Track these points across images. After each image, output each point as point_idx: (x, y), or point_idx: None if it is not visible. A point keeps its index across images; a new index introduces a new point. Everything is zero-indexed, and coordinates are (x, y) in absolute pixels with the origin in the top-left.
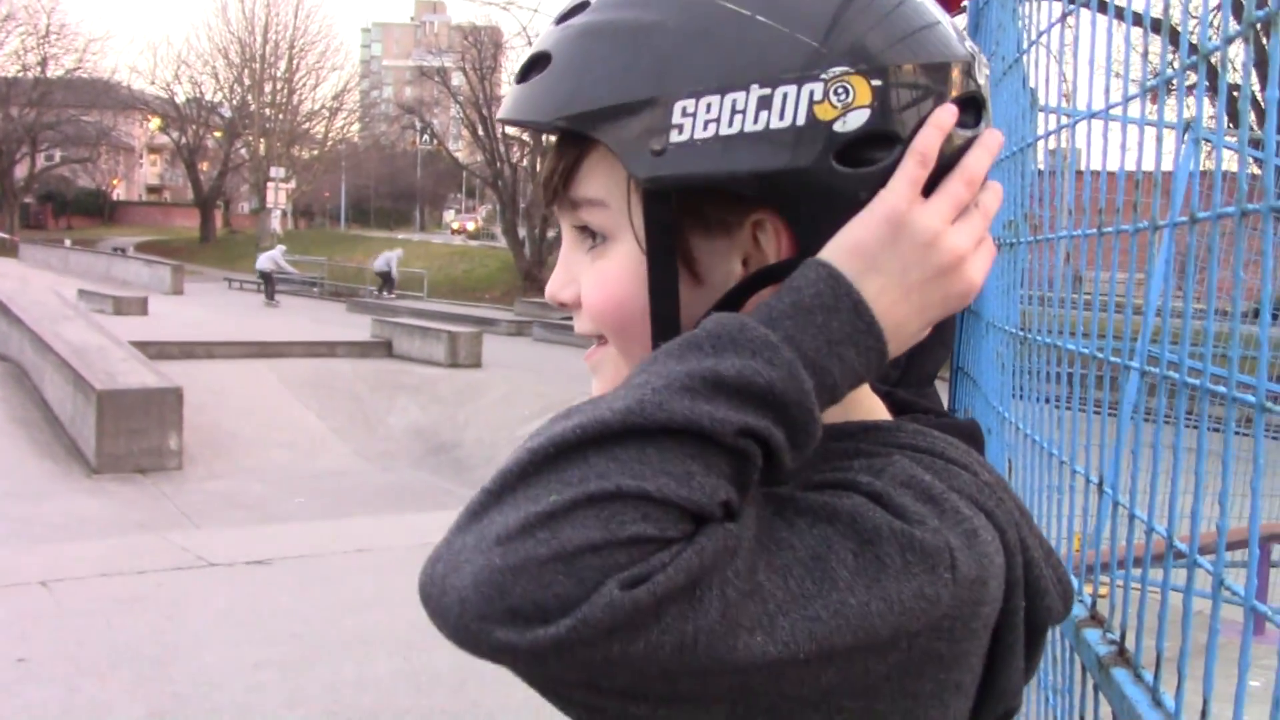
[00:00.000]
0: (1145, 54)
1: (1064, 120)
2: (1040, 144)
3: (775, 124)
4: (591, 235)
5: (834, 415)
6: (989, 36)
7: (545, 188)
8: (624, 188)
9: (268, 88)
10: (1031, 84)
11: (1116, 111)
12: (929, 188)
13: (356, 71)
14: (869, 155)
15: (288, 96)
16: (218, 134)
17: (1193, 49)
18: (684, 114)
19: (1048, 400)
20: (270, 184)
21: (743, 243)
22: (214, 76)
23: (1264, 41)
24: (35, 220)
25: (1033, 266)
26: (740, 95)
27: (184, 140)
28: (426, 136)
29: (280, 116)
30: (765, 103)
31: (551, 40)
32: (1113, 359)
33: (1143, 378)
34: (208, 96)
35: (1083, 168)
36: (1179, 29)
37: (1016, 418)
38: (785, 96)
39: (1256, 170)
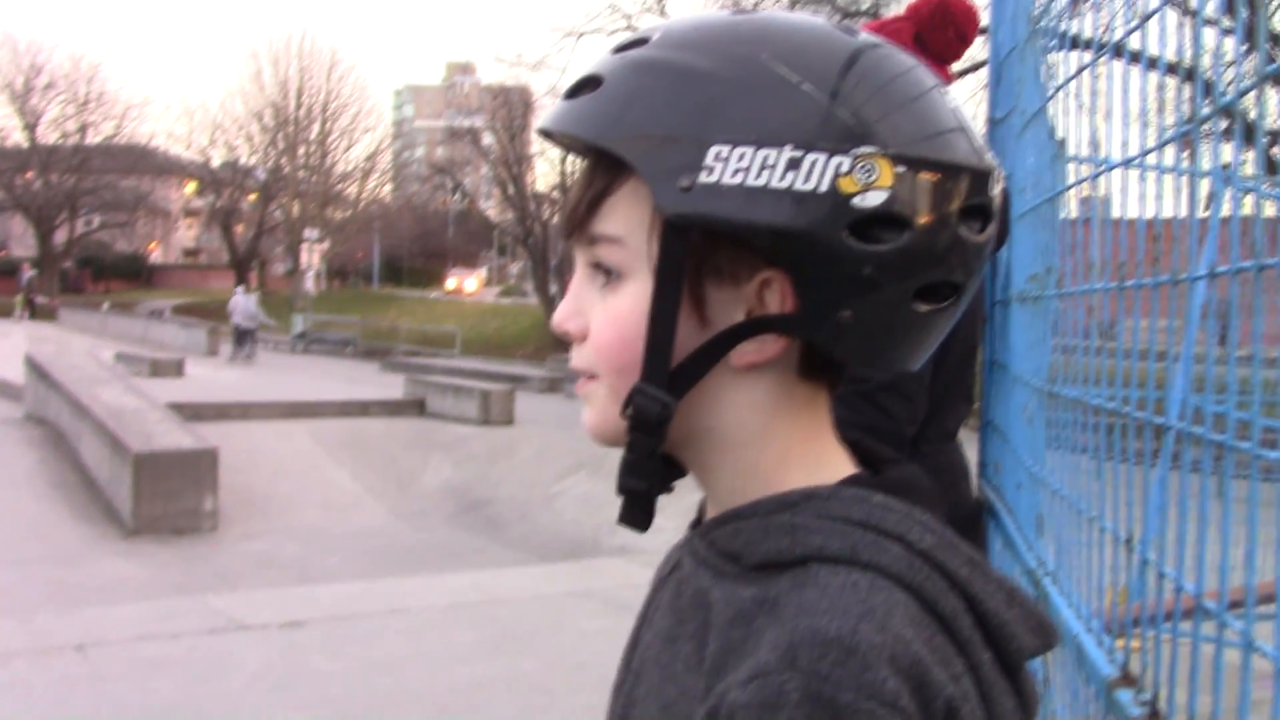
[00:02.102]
0: (1153, 101)
1: (1089, 170)
2: (1071, 194)
3: (800, 185)
4: (605, 272)
5: (789, 476)
6: (1009, 91)
7: (569, 219)
8: (645, 227)
9: (301, 150)
10: (1059, 134)
11: (1147, 159)
12: (920, 274)
13: (389, 133)
14: (879, 234)
15: (321, 159)
16: (252, 197)
17: (1208, 91)
18: (717, 158)
19: (1073, 451)
20: (304, 245)
21: (749, 297)
22: (249, 140)
23: None
24: (74, 284)
25: (1062, 318)
26: (773, 152)
27: (219, 203)
28: (458, 196)
29: (314, 178)
30: (795, 164)
31: (606, 66)
32: (1137, 413)
33: (1178, 437)
34: (243, 160)
35: (1114, 216)
36: (1207, 76)
37: (1045, 472)
38: (814, 163)
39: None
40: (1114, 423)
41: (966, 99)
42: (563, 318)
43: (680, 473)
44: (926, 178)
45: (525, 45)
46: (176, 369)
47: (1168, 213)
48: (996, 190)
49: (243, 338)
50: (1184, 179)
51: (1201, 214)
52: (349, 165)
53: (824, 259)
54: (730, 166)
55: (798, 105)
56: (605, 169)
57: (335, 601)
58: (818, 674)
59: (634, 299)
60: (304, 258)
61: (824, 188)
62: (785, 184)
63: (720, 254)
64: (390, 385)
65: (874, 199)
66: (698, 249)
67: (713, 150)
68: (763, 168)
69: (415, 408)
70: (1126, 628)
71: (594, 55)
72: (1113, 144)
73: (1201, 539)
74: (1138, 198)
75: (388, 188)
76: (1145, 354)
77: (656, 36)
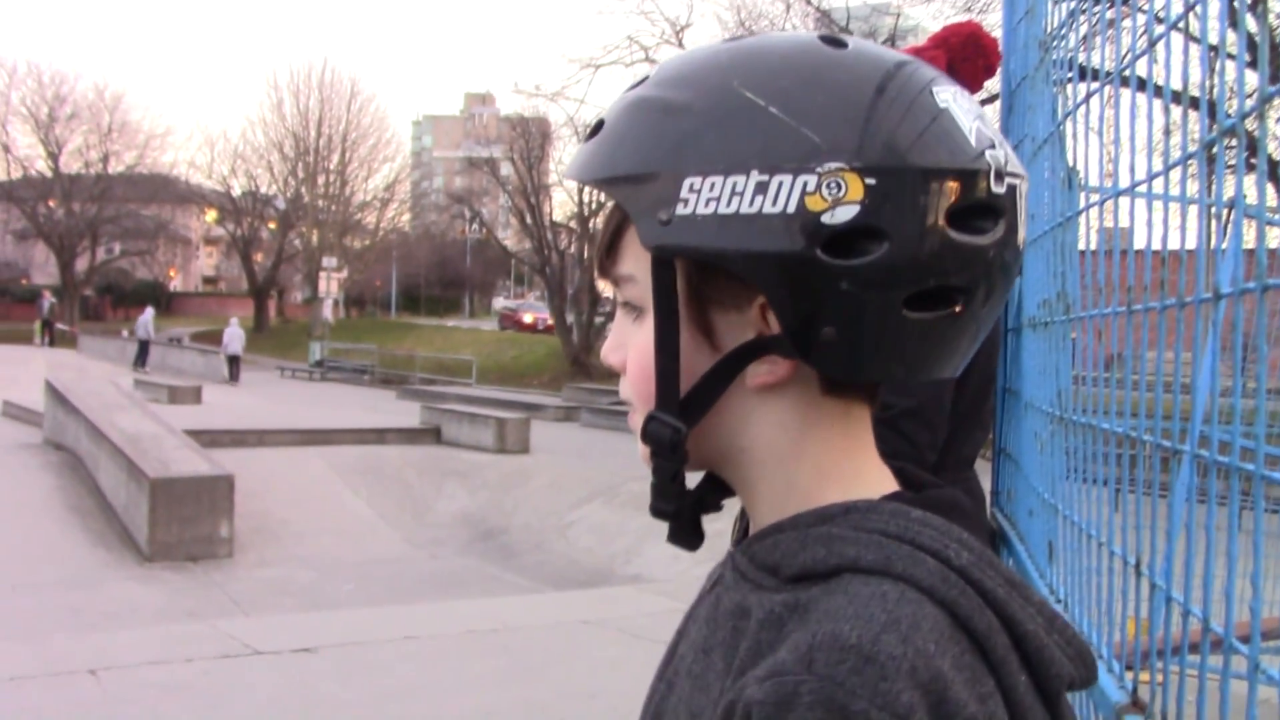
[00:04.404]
0: (1162, 129)
1: (1095, 198)
2: (1081, 221)
3: (768, 209)
4: (634, 308)
5: (826, 492)
6: (1021, 118)
7: (595, 261)
8: (647, 262)
9: (321, 180)
10: (1071, 161)
11: (1152, 186)
12: (906, 283)
13: (408, 162)
14: (859, 248)
15: (340, 188)
16: (272, 225)
17: (1212, 116)
18: (691, 189)
19: (1084, 479)
20: (323, 274)
21: (754, 320)
22: (269, 170)
23: None
24: (94, 312)
25: (1075, 345)
26: (741, 178)
27: (239, 232)
28: (476, 225)
29: (333, 208)
30: (762, 188)
31: (610, 109)
32: (1145, 438)
33: (1194, 463)
34: (263, 189)
35: (1124, 246)
36: (1213, 102)
37: (1056, 499)
38: (781, 184)
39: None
40: (1123, 451)
41: None
42: (606, 351)
43: (728, 491)
44: (900, 186)
45: (543, 76)
46: (194, 396)
47: (1178, 238)
48: (1005, 185)
49: (234, 363)
50: (1193, 207)
51: (1212, 240)
52: (368, 194)
53: (799, 279)
54: (703, 196)
55: (764, 128)
56: (616, 209)
57: (348, 628)
58: (833, 679)
59: (649, 332)
60: (322, 286)
61: (791, 208)
62: (754, 209)
63: (716, 283)
64: (406, 413)
65: (844, 214)
66: (693, 279)
67: (687, 182)
68: (732, 195)
69: (431, 435)
70: (1135, 659)
71: (611, 87)
72: (1121, 172)
73: (1207, 566)
74: (1145, 224)
75: (406, 217)
76: (1152, 384)
77: (652, 74)
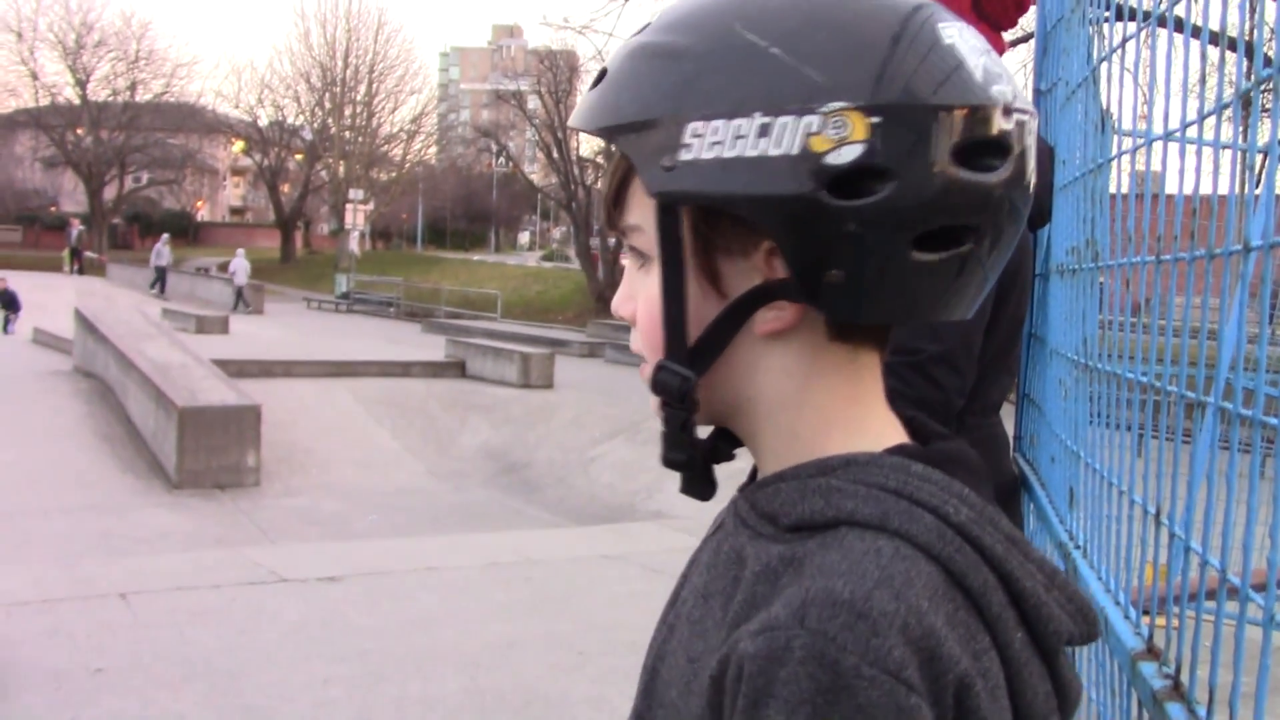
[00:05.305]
0: (1198, 75)
1: (1128, 143)
2: (1113, 166)
3: (772, 151)
4: (641, 257)
5: (829, 441)
6: (1055, 62)
7: (604, 212)
8: (652, 210)
9: (348, 111)
10: (1105, 105)
11: (1191, 132)
12: (914, 223)
13: (434, 95)
14: (865, 188)
15: (367, 120)
16: (299, 157)
17: (1249, 57)
18: (694, 135)
19: (1108, 425)
20: (349, 206)
21: (760, 266)
22: (296, 100)
23: None
24: (122, 240)
25: (1103, 290)
26: (744, 121)
27: (266, 163)
28: (502, 159)
29: (360, 139)
30: (765, 130)
31: (613, 55)
32: (1170, 387)
33: (1219, 414)
34: (290, 120)
35: (1155, 190)
36: (1264, 46)
37: (1078, 445)
38: (784, 126)
39: None
40: (1147, 398)
41: (1016, 70)
42: (617, 304)
43: (738, 442)
44: (905, 124)
45: (572, 8)
46: (222, 326)
47: (1213, 187)
48: (1013, 121)
49: (242, 293)
50: (1227, 153)
51: (1243, 188)
52: (394, 127)
53: (805, 221)
54: (707, 141)
55: (766, 70)
56: (622, 159)
57: (373, 558)
58: (824, 634)
59: (656, 281)
60: (349, 218)
61: (796, 150)
62: (758, 151)
63: (722, 228)
64: (431, 346)
65: (849, 154)
66: (699, 226)
67: (690, 127)
68: (736, 138)
69: (456, 369)
70: (1153, 604)
71: (641, 20)
72: (1156, 117)
73: (1227, 515)
74: (1179, 172)
75: (432, 150)
76: (1179, 330)
77: (654, 20)
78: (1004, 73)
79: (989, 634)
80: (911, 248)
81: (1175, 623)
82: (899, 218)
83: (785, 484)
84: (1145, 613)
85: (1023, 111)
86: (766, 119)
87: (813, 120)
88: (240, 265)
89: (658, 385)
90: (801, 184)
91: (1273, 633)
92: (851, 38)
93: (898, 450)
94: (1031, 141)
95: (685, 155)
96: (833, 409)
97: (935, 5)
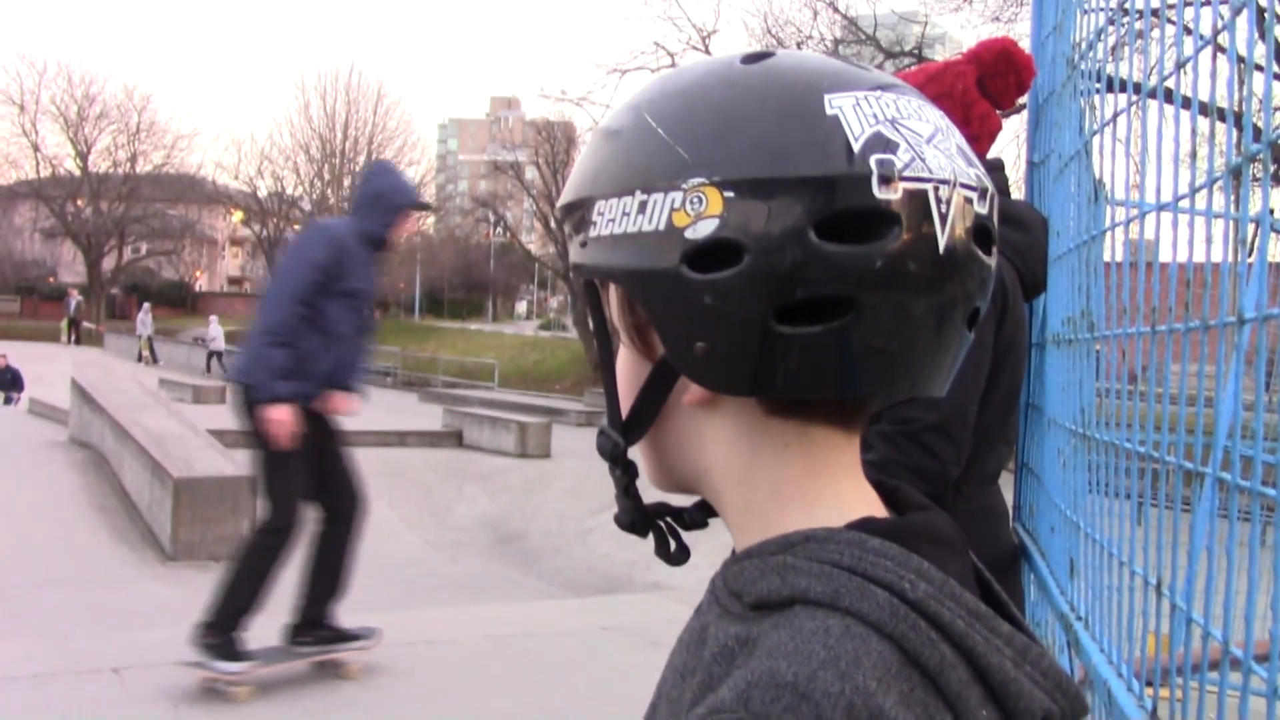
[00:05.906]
0: (1188, 151)
1: (1122, 214)
2: (1109, 236)
3: (645, 227)
4: None
5: (785, 516)
6: (1048, 135)
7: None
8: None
9: (347, 181)
10: (1098, 176)
11: (1179, 203)
12: (770, 296)
13: (433, 166)
14: (722, 260)
15: None
16: (297, 226)
17: (1239, 128)
18: (599, 213)
19: (1107, 494)
20: None
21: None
22: (295, 171)
23: None
24: (120, 310)
25: (1099, 357)
26: (629, 199)
27: (265, 233)
28: (500, 229)
29: None
30: (642, 207)
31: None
32: (1168, 457)
33: (1217, 485)
34: (289, 191)
35: (1149, 258)
36: (1253, 117)
37: (1078, 516)
38: (655, 203)
39: None
40: (1145, 467)
41: (1009, 142)
42: None
43: (713, 510)
44: (757, 196)
45: (569, 81)
46: (219, 395)
47: (1205, 256)
48: (901, 191)
49: (219, 358)
50: (1219, 223)
51: (1235, 259)
52: None
53: (668, 295)
54: (605, 218)
55: (649, 148)
56: None
57: None
58: (767, 717)
59: (623, 352)
60: None
61: (662, 225)
62: (636, 227)
63: (634, 302)
64: (429, 416)
65: (704, 229)
66: (626, 299)
67: (596, 206)
68: (622, 215)
69: (453, 439)
70: (1155, 675)
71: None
72: (1148, 187)
73: (1228, 586)
74: (1171, 243)
75: (431, 220)
76: (1175, 398)
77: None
78: (919, 139)
79: (950, 713)
80: (773, 320)
81: (1179, 694)
82: (753, 290)
83: (750, 561)
84: (1148, 684)
85: (925, 180)
86: (644, 196)
87: (676, 196)
88: (216, 331)
89: (598, 448)
90: (665, 258)
91: (1276, 704)
92: (726, 116)
93: (858, 525)
94: (955, 209)
95: (592, 232)
96: (786, 483)
97: (853, 78)
